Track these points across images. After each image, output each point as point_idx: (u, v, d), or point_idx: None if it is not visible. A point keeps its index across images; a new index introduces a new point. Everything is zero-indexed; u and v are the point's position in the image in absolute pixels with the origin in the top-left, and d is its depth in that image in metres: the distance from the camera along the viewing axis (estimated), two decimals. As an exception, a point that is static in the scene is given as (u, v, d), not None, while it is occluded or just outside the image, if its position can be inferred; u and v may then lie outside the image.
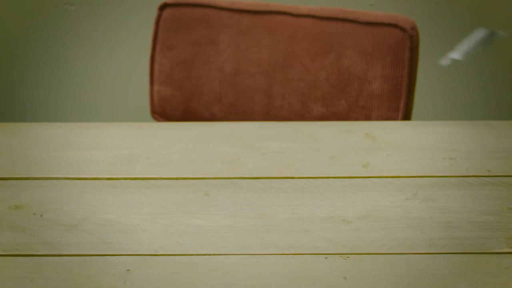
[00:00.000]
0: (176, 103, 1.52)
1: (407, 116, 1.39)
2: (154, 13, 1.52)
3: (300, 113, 1.45)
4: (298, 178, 1.04)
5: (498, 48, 2.11)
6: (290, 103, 1.46)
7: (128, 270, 0.84)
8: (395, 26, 1.37)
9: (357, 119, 1.41)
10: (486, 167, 1.07)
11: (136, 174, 1.05)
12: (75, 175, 1.05)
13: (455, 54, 1.09)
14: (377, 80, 1.39)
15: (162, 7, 1.51)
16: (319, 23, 1.43)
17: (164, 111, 1.53)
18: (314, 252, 0.87)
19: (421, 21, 1.59)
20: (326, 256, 0.86)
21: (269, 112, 1.48)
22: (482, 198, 0.99)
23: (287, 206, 0.97)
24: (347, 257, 0.86)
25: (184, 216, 0.95)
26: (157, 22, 1.51)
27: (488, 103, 2.18)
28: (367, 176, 1.04)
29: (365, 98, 1.40)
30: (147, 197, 0.99)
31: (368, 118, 1.40)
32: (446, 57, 1.06)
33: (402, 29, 1.36)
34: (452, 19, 2.07)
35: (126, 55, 2.15)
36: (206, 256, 0.87)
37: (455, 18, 2.07)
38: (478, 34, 1.12)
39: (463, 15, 2.07)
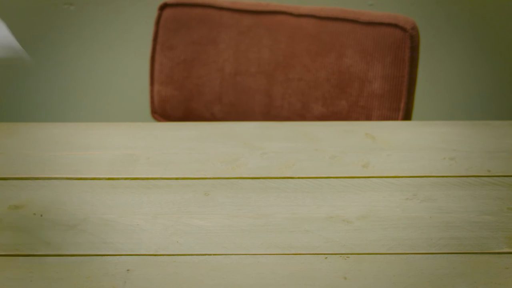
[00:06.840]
0: (176, 103, 1.52)
1: (407, 116, 1.39)
2: (154, 13, 1.52)
3: (300, 113, 1.45)
4: (298, 178, 1.04)
5: (498, 48, 2.11)
6: (290, 103, 1.45)
7: (128, 270, 0.84)
8: (395, 26, 1.37)
9: (357, 119, 1.41)
10: (486, 167, 1.07)
11: (136, 174, 1.05)
12: (75, 175, 1.05)
13: None
14: (378, 80, 1.39)
15: (162, 7, 1.51)
16: (320, 23, 1.43)
17: (164, 111, 1.53)
18: (314, 252, 0.87)
19: (421, 21, 1.58)
20: (326, 256, 0.86)
21: (269, 112, 1.48)
22: (482, 198, 0.99)
23: (287, 206, 0.97)
24: (347, 257, 0.86)
25: (184, 216, 0.95)
26: (157, 22, 1.51)
27: (488, 103, 2.18)
28: (367, 176, 1.04)
29: (365, 98, 1.40)
30: (147, 197, 0.99)
31: (368, 118, 1.40)
32: None
33: (403, 29, 1.36)
34: (452, 19, 2.07)
35: (126, 55, 2.15)
36: (206, 256, 0.87)
37: (455, 18, 2.07)
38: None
39: (463, 15, 2.07)
